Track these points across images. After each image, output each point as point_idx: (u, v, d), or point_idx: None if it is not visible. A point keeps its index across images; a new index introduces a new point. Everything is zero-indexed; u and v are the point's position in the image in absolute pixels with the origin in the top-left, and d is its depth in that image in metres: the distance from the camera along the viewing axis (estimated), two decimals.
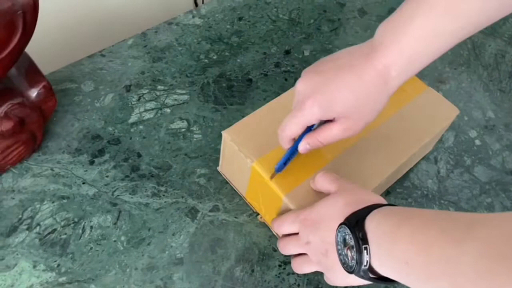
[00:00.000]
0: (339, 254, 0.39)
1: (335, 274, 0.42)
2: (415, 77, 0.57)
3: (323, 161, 0.50)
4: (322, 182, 0.46)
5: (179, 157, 0.58)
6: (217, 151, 0.59)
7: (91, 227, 0.52)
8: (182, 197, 0.55)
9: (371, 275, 0.37)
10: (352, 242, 0.37)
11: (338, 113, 0.41)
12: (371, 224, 0.37)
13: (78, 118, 0.60)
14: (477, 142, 0.65)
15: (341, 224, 0.39)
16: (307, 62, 0.70)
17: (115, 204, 0.54)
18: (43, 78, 0.52)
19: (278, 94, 0.65)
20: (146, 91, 0.64)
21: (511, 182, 0.62)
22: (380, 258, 0.36)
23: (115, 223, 0.52)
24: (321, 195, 0.47)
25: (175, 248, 0.51)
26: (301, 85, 0.43)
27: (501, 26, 0.80)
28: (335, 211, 0.41)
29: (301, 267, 0.47)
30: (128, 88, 0.64)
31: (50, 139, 0.57)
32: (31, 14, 0.44)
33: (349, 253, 0.38)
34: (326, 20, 0.77)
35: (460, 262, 0.29)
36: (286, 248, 0.47)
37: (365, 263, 0.36)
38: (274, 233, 0.53)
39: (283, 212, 0.48)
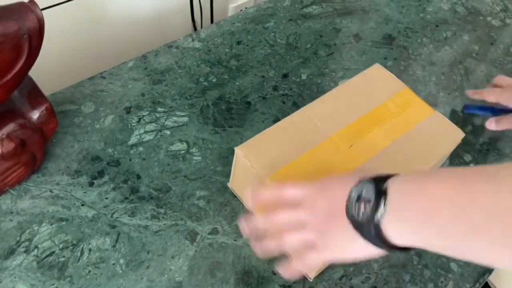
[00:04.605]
0: (348, 211, 0.37)
1: (332, 240, 0.39)
2: (423, 102, 0.59)
3: None
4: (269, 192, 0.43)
5: (179, 179, 0.58)
6: (217, 173, 0.59)
7: (90, 249, 0.51)
8: (182, 219, 0.55)
9: (374, 234, 0.35)
10: (368, 195, 0.36)
11: None
12: (396, 179, 0.36)
13: (78, 139, 0.60)
14: (472, 166, 0.66)
15: (360, 180, 0.38)
16: (304, 86, 0.71)
17: (114, 227, 0.53)
18: (45, 100, 0.52)
19: (277, 117, 0.67)
20: (146, 113, 0.64)
21: None
22: (403, 207, 0.34)
23: (114, 246, 0.52)
24: None
25: (174, 271, 0.51)
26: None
27: (493, 52, 0.82)
28: (346, 177, 0.40)
29: (294, 242, 0.41)
30: (128, 110, 0.64)
31: (50, 160, 0.57)
32: (36, 38, 0.44)
33: (362, 206, 0.36)
34: (322, 45, 0.78)
35: (500, 176, 0.31)
36: (277, 218, 0.42)
37: (379, 217, 0.35)
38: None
39: None
